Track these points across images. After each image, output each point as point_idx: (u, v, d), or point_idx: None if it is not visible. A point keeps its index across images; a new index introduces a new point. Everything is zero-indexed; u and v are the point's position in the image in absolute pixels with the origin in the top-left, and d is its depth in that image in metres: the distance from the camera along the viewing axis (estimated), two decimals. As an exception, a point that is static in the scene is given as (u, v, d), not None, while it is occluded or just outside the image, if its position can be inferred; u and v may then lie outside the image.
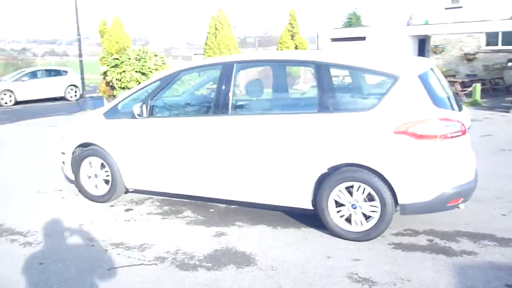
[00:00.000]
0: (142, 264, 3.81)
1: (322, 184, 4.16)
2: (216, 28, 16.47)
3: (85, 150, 5.33)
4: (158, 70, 13.97)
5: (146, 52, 14.04)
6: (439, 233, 4.27)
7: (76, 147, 5.41)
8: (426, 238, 4.20)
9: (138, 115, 4.80)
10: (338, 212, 4.17)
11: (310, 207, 4.32)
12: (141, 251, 4.05)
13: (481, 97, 14.32)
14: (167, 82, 4.91)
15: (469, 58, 20.24)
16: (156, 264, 3.80)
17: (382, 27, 22.25)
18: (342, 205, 4.14)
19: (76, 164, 5.42)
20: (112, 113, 5.21)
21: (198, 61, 5.12)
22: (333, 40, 23.16)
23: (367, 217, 4.08)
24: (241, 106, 4.54)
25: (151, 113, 4.83)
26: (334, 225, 4.18)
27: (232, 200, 4.87)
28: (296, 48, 19.82)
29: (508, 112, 12.05)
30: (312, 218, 4.49)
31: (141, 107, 4.75)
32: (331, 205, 4.17)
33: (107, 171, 5.22)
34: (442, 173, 3.90)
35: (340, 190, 4.12)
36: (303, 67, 4.45)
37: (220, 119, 4.52)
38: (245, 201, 4.68)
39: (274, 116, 4.37)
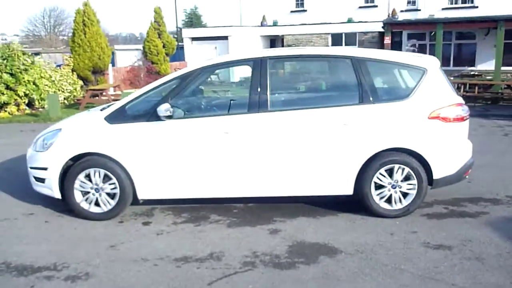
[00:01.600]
0: (236, 272, 3.59)
1: (366, 170, 4.51)
2: (84, 25, 15.05)
3: (81, 161, 4.57)
4: (29, 71, 12.23)
5: (13, 50, 12.09)
6: (446, 202, 5.05)
7: (68, 160, 4.59)
8: (442, 207, 4.93)
9: (167, 116, 4.36)
10: (378, 194, 4.58)
11: (351, 193, 4.63)
12: (219, 261, 3.78)
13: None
14: (189, 80, 4.58)
15: (318, 56, 22.81)
16: (252, 269, 3.63)
17: (243, 27, 23.31)
18: (382, 187, 4.57)
19: (68, 179, 4.60)
20: (118, 117, 4.58)
21: (222, 58, 4.82)
22: (194, 39, 23.32)
23: (404, 195, 4.59)
24: (280, 102, 4.55)
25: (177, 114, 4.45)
26: (377, 206, 4.58)
27: (240, 197, 4.80)
28: (164, 47, 19.40)
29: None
30: (335, 205, 4.86)
31: (169, 108, 4.33)
32: (373, 188, 4.55)
33: (113, 183, 4.58)
34: (462, 150, 4.66)
35: (381, 174, 4.53)
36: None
37: (261, 116, 4.46)
38: (282, 195, 4.72)
39: (317, 109, 4.52)
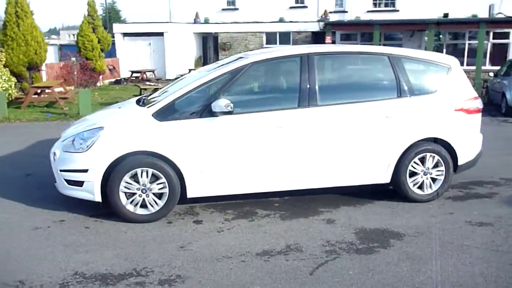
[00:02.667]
0: (327, 261, 3.71)
1: (403, 159, 4.88)
2: (18, 16, 13.75)
3: (128, 161, 4.33)
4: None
5: None
6: (456, 186, 5.61)
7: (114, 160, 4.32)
8: (457, 190, 5.48)
9: (226, 112, 4.31)
10: (412, 181, 4.98)
11: (388, 181, 4.97)
12: (301, 252, 3.87)
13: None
14: (240, 75, 4.55)
15: (253, 54, 23.17)
16: (339, 257, 3.77)
17: (178, 24, 22.84)
18: (415, 174, 4.97)
19: (112, 181, 4.34)
20: (168, 114, 4.41)
21: (271, 53, 4.79)
22: (126, 35, 22.36)
23: (433, 181, 5.04)
24: (327, 96, 4.69)
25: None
26: (412, 192, 4.98)
27: (272, 191, 4.89)
28: (99, 42, 18.38)
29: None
30: (364, 194, 5.22)
31: (229, 103, 4.28)
32: (408, 176, 4.94)
33: (161, 183, 4.42)
34: (478, 138, 5.23)
35: (415, 162, 4.93)
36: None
37: (312, 110, 4.60)
38: (326, 187, 4.91)
39: (362, 103, 4.77)
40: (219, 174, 4.54)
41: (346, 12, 23.40)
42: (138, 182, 4.40)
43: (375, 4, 23.19)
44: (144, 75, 20.26)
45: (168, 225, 4.47)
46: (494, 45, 20.50)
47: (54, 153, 4.63)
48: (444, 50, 20.36)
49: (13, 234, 4.24)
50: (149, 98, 5.30)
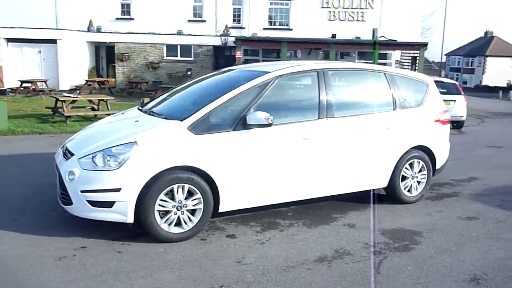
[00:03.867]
0: (384, 258, 4.02)
1: (397, 164, 5.46)
2: None
3: (165, 177, 4.10)
4: None
5: None
6: (434, 186, 6.38)
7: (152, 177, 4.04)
8: (429, 192, 6.25)
9: (263, 125, 4.35)
10: (403, 185, 5.58)
11: (386, 185, 5.49)
12: (353, 255, 4.11)
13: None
14: (267, 88, 4.63)
15: (154, 66, 22.62)
16: (389, 255, 4.11)
17: (71, 32, 21.11)
18: (405, 178, 5.58)
19: (148, 199, 4.06)
20: (203, 127, 4.28)
21: (293, 67, 4.88)
22: (11, 40, 19.95)
23: (418, 184, 5.72)
24: (340, 109, 5.01)
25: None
26: (403, 195, 5.59)
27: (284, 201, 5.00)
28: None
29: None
30: (354, 199, 5.66)
31: (269, 116, 4.33)
32: (400, 180, 5.53)
33: (196, 198, 4.28)
34: (448, 145, 6.08)
35: (406, 168, 5.56)
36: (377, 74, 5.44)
37: (330, 121, 4.89)
38: (341, 193, 5.23)
39: (367, 116, 5.21)
40: (250, 186, 4.55)
41: (244, 28, 24.23)
42: (173, 199, 4.19)
43: (270, 22, 24.47)
44: (36, 86, 18.32)
45: (204, 242, 4.32)
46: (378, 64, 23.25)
47: (71, 172, 4.14)
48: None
49: (42, 266, 3.69)
50: (149, 107, 5.09)
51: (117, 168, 4.02)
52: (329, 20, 24.11)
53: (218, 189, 4.36)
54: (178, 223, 4.25)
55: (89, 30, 22.35)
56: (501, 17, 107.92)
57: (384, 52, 20.61)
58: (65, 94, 13.48)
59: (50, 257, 3.86)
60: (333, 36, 23.30)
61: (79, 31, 21.78)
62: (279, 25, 24.61)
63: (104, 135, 4.48)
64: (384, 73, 5.50)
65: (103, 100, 12.17)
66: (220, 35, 21.95)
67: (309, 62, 5.41)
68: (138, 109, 5.37)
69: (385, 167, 5.38)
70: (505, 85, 54.04)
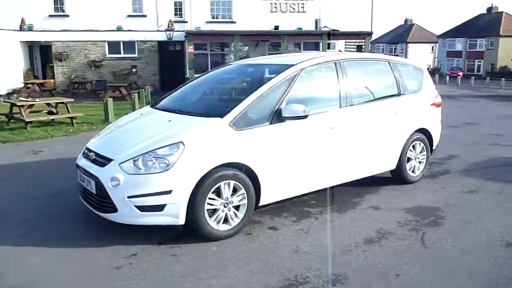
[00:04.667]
0: (423, 235, 4.31)
1: (404, 147, 5.81)
2: None
3: (214, 175, 4.07)
4: None
5: None
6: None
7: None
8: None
9: (299, 117, 4.44)
10: (408, 166, 5.96)
11: (394, 167, 5.83)
12: (395, 234, 4.37)
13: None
14: (294, 80, 4.70)
15: (96, 65, 21.62)
16: (427, 228, 4.41)
17: (3, 31, 19.49)
18: (410, 160, 5.97)
19: (198, 199, 4.02)
20: (243, 122, 4.29)
21: (313, 59, 4.96)
22: None
23: (420, 164, 6.13)
24: (356, 97, 5.21)
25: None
26: (408, 175, 5.98)
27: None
28: None
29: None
30: (361, 183, 6.00)
31: (305, 108, 4.44)
32: (406, 162, 5.91)
33: (241, 194, 4.30)
34: (440, 126, 6.56)
35: (410, 150, 5.94)
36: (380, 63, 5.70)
37: (350, 109, 5.09)
38: (359, 178, 5.47)
39: (379, 102, 5.48)
40: (287, 178, 4.65)
41: (186, 22, 23.86)
42: (219, 196, 4.18)
43: (213, 16, 24.31)
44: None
45: (250, 236, 4.36)
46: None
47: (114, 179, 3.97)
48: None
49: (106, 277, 3.55)
50: (172, 106, 5.00)
51: (167, 170, 3.93)
52: (271, 12, 24.45)
53: (260, 183, 4.41)
54: (225, 220, 4.25)
55: (21, 29, 20.82)
56: (419, 6, 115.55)
57: (328, 41, 21.33)
58: (21, 98, 12.54)
59: (107, 268, 3.71)
60: (276, 27, 23.67)
61: (12, 30, 20.22)
62: (222, 18, 24.52)
63: (137, 137, 4.35)
64: (388, 62, 5.82)
65: (62, 102, 11.49)
66: (165, 30, 21.45)
67: (326, 53, 5.58)
68: (155, 108, 5.22)
69: (394, 151, 5.71)
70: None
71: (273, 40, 21.55)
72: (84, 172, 4.36)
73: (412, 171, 6.02)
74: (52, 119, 11.64)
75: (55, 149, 8.69)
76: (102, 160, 4.22)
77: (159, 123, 4.61)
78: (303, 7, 24.78)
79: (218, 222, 4.21)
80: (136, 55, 22.20)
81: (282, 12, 24.62)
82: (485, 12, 56.51)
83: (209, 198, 4.10)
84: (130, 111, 13.93)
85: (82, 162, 4.52)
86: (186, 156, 3.99)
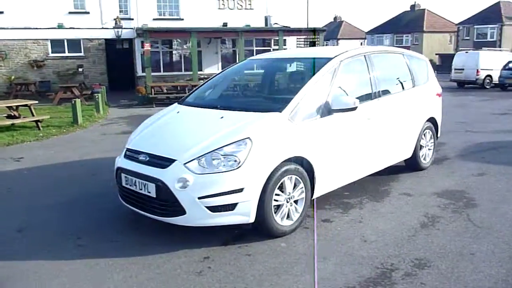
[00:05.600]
0: (467, 218, 4.57)
1: (418, 136, 6.10)
2: None
3: (280, 171, 4.02)
4: None
5: None
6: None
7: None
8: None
9: (350, 109, 4.50)
10: (421, 154, 6.27)
11: (410, 155, 6.09)
12: (441, 217, 4.59)
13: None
14: (335, 73, 4.74)
15: (38, 64, 20.20)
16: (464, 210, 4.67)
17: None
18: (422, 147, 6.27)
19: (267, 196, 3.95)
20: (299, 116, 4.27)
21: (347, 52, 4.98)
22: None
23: (429, 151, 6.47)
24: (384, 88, 5.36)
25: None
26: (421, 163, 6.29)
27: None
28: None
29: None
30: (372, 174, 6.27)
31: (357, 100, 4.52)
32: (419, 150, 6.20)
33: (300, 188, 4.30)
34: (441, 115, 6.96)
35: (422, 138, 6.24)
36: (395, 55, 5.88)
37: (380, 101, 5.25)
38: (384, 168, 5.66)
39: (400, 93, 5.69)
40: (336, 169, 4.71)
41: (132, 19, 22.99)
42: (283, 191, 4.14)
43: (160, 13, 23.65)
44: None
45: (309, 230, 4.36)
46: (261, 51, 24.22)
47: (181, 180, 3.78)
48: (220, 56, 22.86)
49: (196, 284, 3.38)
50: (212, 103, 4.86)
51: (237, 167, 3.81)
52: (219, 9, 24.26)
53: (315, 175, 4.42)
54: (287, 216, 4.22)
55: None
56: (346, 3, 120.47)
57: (277, 38, 21.60)
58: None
59: (188, 273, 3.54)
60: (224, 24, 23.55)
61: None
62: (169, 15, 23.94)
63: (192, 136, 4.19)
64: (402, 54, 6.07)
65: (26, 105, 10.62)
66: (114, 28, 20.52)
67: (355, 47, 5.66)
68: (189, 105, 5.03)
69: (412, 139, 5.97)
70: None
71: (227, 36, 21.44)
72: (137, 175, 4.10)
73: (424, 159, 6.33)
74: (12, 124, 10.74)
75: (34, 155, 8.06)
76: (160, 161, 3.99)
77: (210, 120, 4.44)
78: (250, 4, 24.87)
79: (282, 218, 4.16)
80: (82, 54, 21.00)
81: (230, 9, 24.55)
82: (409, 9, 60.18)
83: (275, 194, 4.05)
84: (94, 112, 13.33)
85: (130, 164, 4.25)
86: (254, 152, 3.90)
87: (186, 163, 3.86)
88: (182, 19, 23.65)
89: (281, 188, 4.11)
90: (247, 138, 3.93)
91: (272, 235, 4.11)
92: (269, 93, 4.94)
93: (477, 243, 3.98)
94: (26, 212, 5.03)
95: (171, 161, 3.92)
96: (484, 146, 8.00)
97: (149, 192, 3.97)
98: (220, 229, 4.11)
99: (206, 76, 21.04)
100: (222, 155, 3.85)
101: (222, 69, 22.48)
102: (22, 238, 4.31)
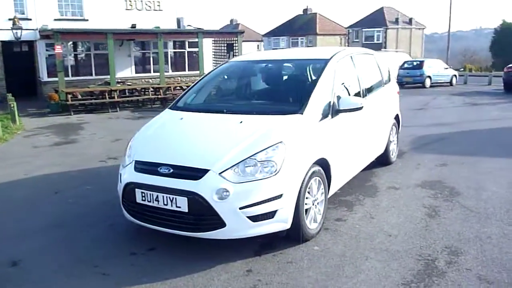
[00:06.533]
0: (465, 203, 4.97)
1: (389, 132, 6.49)
2: None
3: (308, 174, 3.96)
4: None
5: None
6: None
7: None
8: (384, 152, 7.54)
9: (358, 108, 4.59)
10: (390, 149, 6.66)
11: (383, 151, 6.42)
12: (441, 208, 4.93)
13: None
14: (335, 74, 4.77)
15: None
16: (458, 198, 5.08)
17: None
18: (391, 142, 6.67)
19: (302, 199, 3.89)
20: (316, 117, 4.27)
21: (339, 53, 4.89)
22: None
23: (395, 146, 6.90)
24: (366, 87, 5.53)
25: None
26: (390, 158, 6.69)
27: None
28: None
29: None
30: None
31: (362, 101, 4.65)
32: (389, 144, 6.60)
33: (321, 189, 4.30)
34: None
35: (390, 133, 6.63)
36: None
37: (367, 99, 5.41)
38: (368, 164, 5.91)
39: (376, 92, 5.93)
40: (344, 168, 4.80)
41: (30, 20, 20.87)
42: (310, 194, 4.10)
43: (61, 13, 21.82)
44: None
45: (330, 230, 4.38)
46: (178, 53, 23.66)
47: (220, 191, 3.53)
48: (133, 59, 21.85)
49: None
50: (222, 107, 4.64)
51: (275, 173, 3.68)
52: (127, 9, 23.11)
53: (331, 175, 4.45)
54: (313, 218, 4.20)
55: None
56: (242, 7, 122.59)
57: (193, 40, 21.23)
58: None
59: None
60: (133, 26, 22.51)
61: None
62: (72, 15, 22.20)
63: (215, 143, 3.93)
64: (373, 55, 6.38)
65: None
66: (12, 29, 18.39)
67: (342, 48, 5.77)
68: (189, 111, 4.73)
69: (385, 135, 6.32)
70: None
71: (145, 38, 20.53)
72: (159, 189, 3.73)
73: (392, 153, 6.74)
74: None
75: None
76: (189, 173, 3.68)
77: (228, 125, 4.19)
78: (159, 5, 24.11)
79: (310, 221, 4.13)
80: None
81: (138, 10, 23.52)
82: (302, 13, 63.34)
83: (305, 198, 4.00)
84: (9, 123, 11.75)
85: (148, 178, 3.85)
86: (289, 156, 3.80)
87: (221, 172, 3.62)
88: (87, 20, 22.06)
89: (309, 191, 4.07)
90: (279, 142, 3.81)
91: (302, 240, 4.04)
92: (278, 95, 4.83)
93: (486, 227, 4.35)
94: (10, 242, 4.31)
95: (204, 171, 3.65)
96: (427, 139, 8.75)
97: (179, 207, 3.65)
98: (241, 240, 3.85)
99: (120, 81, 19.95)
100: (258, 161, 3.69)
101: (135, 73, 21.66)
102: (22, 274, 3.67)
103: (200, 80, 5.42)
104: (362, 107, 4.67)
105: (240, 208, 3.57)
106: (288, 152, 3.81)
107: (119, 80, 19.86)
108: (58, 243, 4.28)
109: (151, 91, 17.12)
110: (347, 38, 56.36)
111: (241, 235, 3.69)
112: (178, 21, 22.43)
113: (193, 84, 5.40)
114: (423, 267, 3.59)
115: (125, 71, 21.10)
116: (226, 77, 5.49)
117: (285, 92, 4.87)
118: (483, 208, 4.86)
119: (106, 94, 15.56)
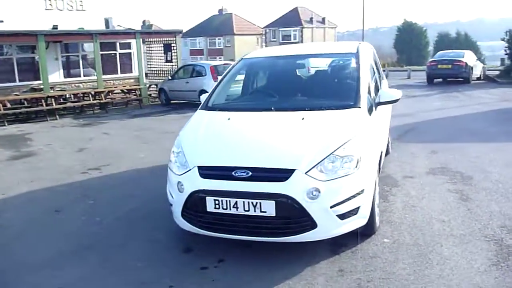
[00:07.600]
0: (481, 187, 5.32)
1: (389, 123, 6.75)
2: None
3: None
4: None
5: None
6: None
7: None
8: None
9: (395, 100, 4.71)
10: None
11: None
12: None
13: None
14: (366, 67, 4.85)
15: None
16: (471, 182, 5.43)
17: None
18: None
19: (375, 194, 3.90)
20: (370, 110, 4.30)
21: (357, 46, 4.86)
22: None
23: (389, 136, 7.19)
24: (380, 81, 5.73)
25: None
26: (388, 147, 6.95)
27: None
28: None
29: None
30: None
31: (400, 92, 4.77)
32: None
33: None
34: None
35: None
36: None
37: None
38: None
39: (382, 83, 6.12)
40: (381, 160, 4.87)
41: None
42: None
43: (-30, 13, 19.51)
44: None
45: (384, 221, 4.44)
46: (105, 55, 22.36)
47: (311, 191, 3.39)
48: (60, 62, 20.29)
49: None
50: (274, 105, 4.45)
51: (357, 169, 3.63)
52: (47, 9, 21.38)
53: (380, 167, 4.51)
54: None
55: None
56: (154, 7, 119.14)
57: (124, 41, 20.19)
58: None
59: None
60: (55, 27, 20.86)
61: None
62: (-15, 16, 19.99)
63: (290, 141, 3.77)
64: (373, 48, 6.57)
65: None
66: None
67: (357, 42, 5.81)
68: (234, 110, 4.50)
69: (388, 126, 6.55)
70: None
71: (79, 40, 19.09)
72: (239, 195, 3.48)
73: (389, 143, 7.01)
74: None
75: None
76: (273, 174, 3.48)
77: (292, 123, 4.02)
78: (82, 5, 22.61)
79: (377, 215, 4.15)
80: None
81: (59, 9, 21.84)
82: (217, 13, 63.33)
83: (374, 191, 4.01)
84: None
85: (221, 184, 3.56)
86: (364, 151, 3.76)
87: (308, 171, 3.48)
88: (2, 21, 20.00)
89: (374, 184, 4.09)
90: (354, 136, 3.76)
91: (368, 234, 4.04)
92: (322, 90, 4.71)
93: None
94: (46, 272, 3.74)
95: (289, 171, 3.48)
96: (399, 130, 9.13)
97: (264, 212, 3.45)
98: (300, 243, 3.72)
99: (50, 85, 18.35)
100: (339, 157, 3.61)
101: (64, 77, 20.04)
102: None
103: (223, 79, 5.16)
104: (399, 99, 4.78)
105: (331, 207, 3.47)
106: (363, 146, 3.78)
107: (50, 85, 18.28)
108: (102, 267, 3.81)
109: (92, 96, 15.97)
110: (264, 37, 57.49)
111: (328, 235, 3.59)
112: (107, 22, 21.20)
113: (216, 84, 5.14)
114: (498, 247, 3.77)
115: (53, 76, 19.40)
116: (254, 74, 5.30)
117: (328, 86, 4.81)
118: (502, 187, 5.25)
119: (43, 101, 14.19)
